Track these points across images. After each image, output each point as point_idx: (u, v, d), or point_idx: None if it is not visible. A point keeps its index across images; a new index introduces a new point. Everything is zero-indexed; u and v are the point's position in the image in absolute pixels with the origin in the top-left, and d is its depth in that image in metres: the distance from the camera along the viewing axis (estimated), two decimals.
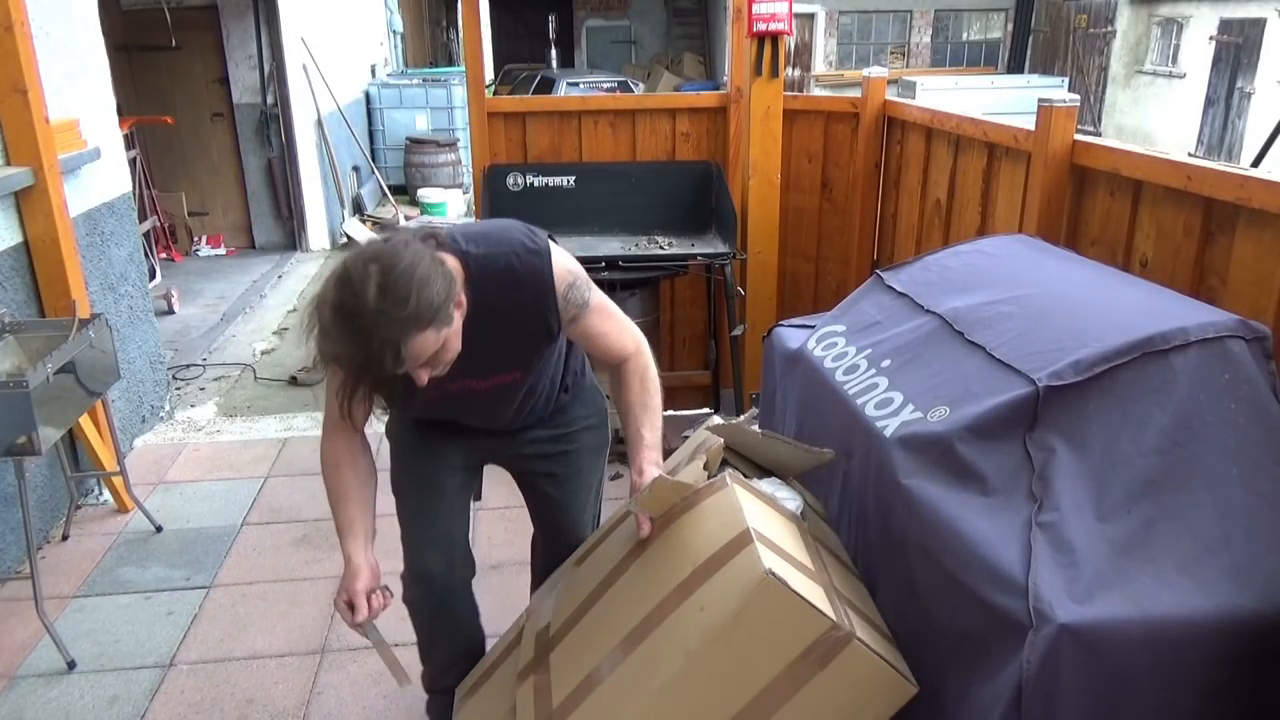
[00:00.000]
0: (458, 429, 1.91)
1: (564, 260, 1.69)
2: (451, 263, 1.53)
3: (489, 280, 1.59)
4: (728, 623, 1.41)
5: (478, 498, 2.29)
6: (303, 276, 6.80)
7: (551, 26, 19.77)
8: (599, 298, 1.75)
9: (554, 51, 19.57)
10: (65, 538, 3.19)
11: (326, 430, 1.75)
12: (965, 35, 18.85)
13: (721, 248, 3.53)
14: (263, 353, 5.13)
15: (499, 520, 3.19)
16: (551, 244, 1.69)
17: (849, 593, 1.61)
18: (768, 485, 1.80)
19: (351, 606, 1.67)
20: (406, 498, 1.95)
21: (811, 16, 18.07)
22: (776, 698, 1.44)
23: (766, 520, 1.58)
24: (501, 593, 2.72)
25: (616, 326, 1.78)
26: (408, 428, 1.95)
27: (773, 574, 1.39)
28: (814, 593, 1.46)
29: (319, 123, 7.68)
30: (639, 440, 1.73)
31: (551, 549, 2.08)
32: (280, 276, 6.78)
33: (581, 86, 11.20)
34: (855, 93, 3.68)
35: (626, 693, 1.48)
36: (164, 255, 6.93)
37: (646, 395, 1.79)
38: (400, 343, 1.40)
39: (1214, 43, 13.90)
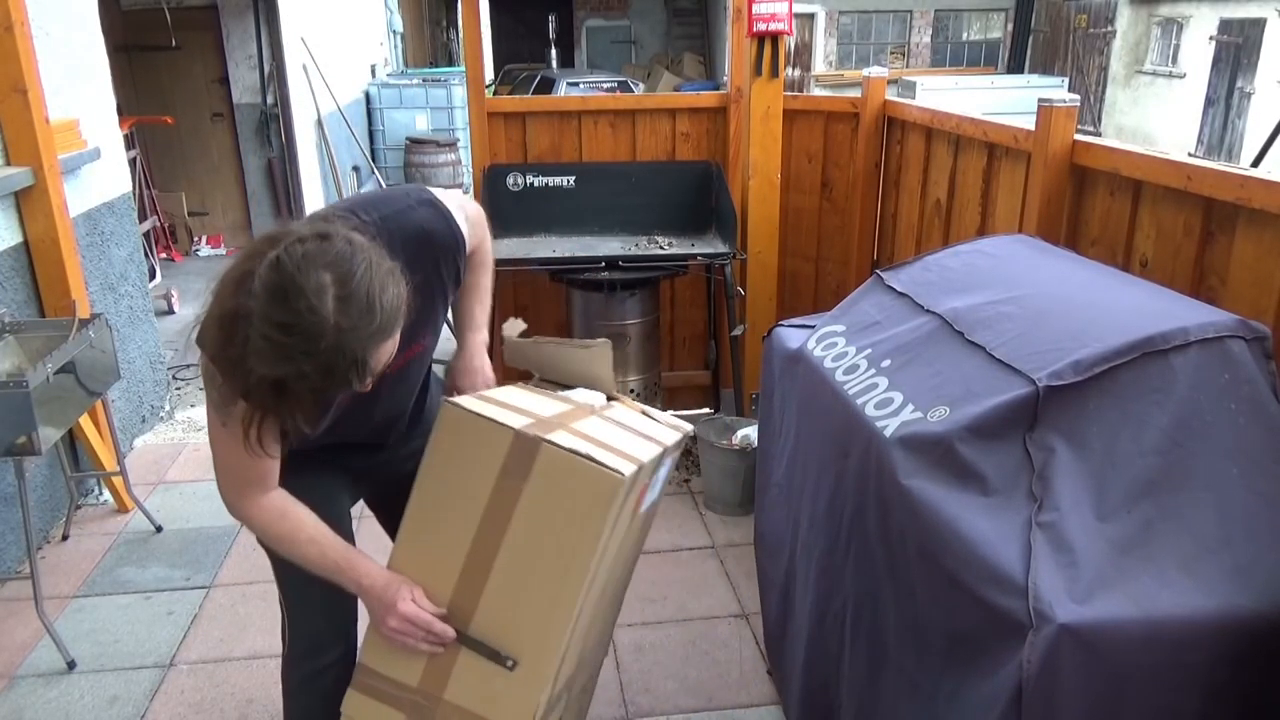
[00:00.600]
0: (336, 463, 1.72)
1: (451, 199, 1.61)
2: (358, 239, 1.32)
3: (401, 245, 1.43)
4: (429, 459, 1.50)
5: None
6: None
7: (551, 26, 19.78)
8: (455, 200, 1.64)
9: (554, 51, 19.57)
10: (65, 538, 3.19)
11: (243, 496, 1.50)
12: (965, 35, 18.85)
13: (721, 248, 3.53)
14: None
15: None
16: (427, 188, 1.62)
17: (590, 431, 1.57)
18: (581, 395, 1.82)
19: (412, 621, 1.49)
20: (299, 569, 1.60)
21: (811, 16, 18.07)
22: (499, 522, 1.48)
23: (509, 395, 1.65)
24: None
25: (476, 217, 1.71)
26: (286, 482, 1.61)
27: (450, 401, 1.48)
28: (502, 414, 1.48)
29: (319, 123, 7.68)
30: (471, 319, 1.74)
31: None
32: None
33: (581, 86, 11.20)
34: (855, 93, 3.68)
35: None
36: (164, 255, 6.93)
37: (487, 274, 1.76)
38: (369, 357, 1.25)
39: (1214, 43, 13.90)
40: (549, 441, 1.44)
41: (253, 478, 1.50)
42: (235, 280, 1.23)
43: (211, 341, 1.26)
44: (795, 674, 2.11)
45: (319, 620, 1.74)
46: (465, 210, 1.68)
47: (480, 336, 1.79)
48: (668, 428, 1.79)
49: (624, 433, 1.66)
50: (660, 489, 1.85)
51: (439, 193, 1.64)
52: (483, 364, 1.84)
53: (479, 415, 1.47)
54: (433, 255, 1.56)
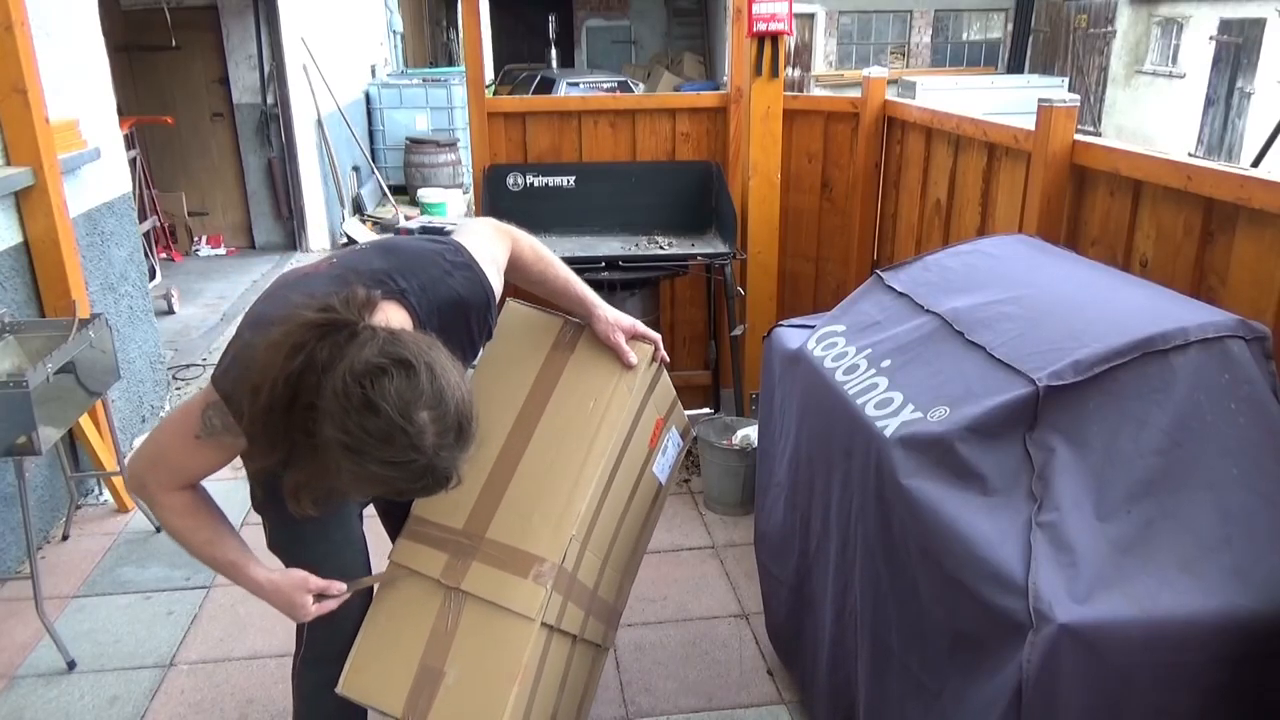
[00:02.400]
0: None
1: (483, 251, 1.67)
2: (398, 314, 1.45)
3: (439, 312, 1.54)
4: (494, 344, 1.84)
5: None
6: None
7: (551, 26, 19.77)
8: (485, 246, 1.70)
9: (554, 51, 19.57)
10: (65, 538, 3.19)
11: (163, 487, 1.52)
12: (965, 35, 18.85)
13: (721, 248, 3.53)
14: None
15: None
16: (461, 243, 1.65)
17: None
18: None
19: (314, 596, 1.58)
20: (328, 572, 1.64)
21: (811, 16, 18.07)
22: (547, 386, 1.86)
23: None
24: None
25: (503, 255, 1.77)
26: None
27: (513, 300, 1.94)
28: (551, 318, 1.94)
29: (319, 123, 7.68)
30: (584, 300, 1.88)
31: None
32: None
33: (581, 86, 11.20)
34: (855, 93, 3.68)
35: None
36: (164, 255, 6.93)
37: (559, 265, 1.89)
38: (459, 471, 1.34)
39: (1214, 43, 13.90)
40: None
41: (185, 478, 1.52)
42: (286, 351, 1.28)
43: (254, 405, 1.30)
44: (820, 670, 2.11)
45: (345, 624, 1.73)
46: (495, 256, 1.73)
47: (601, 304, 1.90)
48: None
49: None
50: (671, 463, 2.15)
51: (469, 242, 1.67)
52: (619, 315, 1.93)
53: (536, 309, 1.93)
54: (465, 317, 1.62)
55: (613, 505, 1.90)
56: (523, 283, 1.88)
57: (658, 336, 1.95)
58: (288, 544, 1.70)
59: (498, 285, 1.69)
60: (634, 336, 1.90)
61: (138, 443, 3.87)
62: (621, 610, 2.22)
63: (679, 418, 2.18)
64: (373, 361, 1.26)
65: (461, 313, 1.60)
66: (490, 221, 1.81)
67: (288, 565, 1.64)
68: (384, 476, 1.28)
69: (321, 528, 1.67)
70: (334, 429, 1.25)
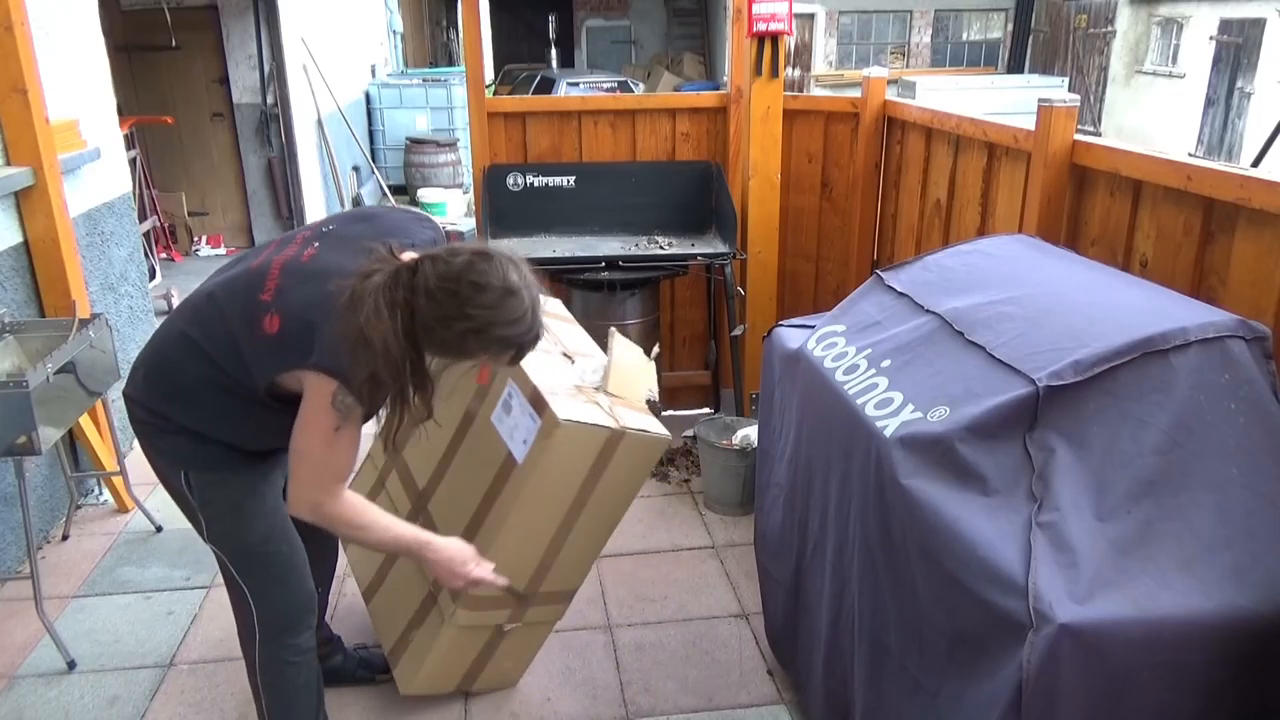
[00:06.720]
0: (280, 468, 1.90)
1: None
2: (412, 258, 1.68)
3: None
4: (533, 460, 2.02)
5: None
6: None
7: (551, 26, 19.77)
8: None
9: (554, 51, 19.57)
10: (65, 538, 3.19)
11: (333, 495, 1.70)
12: (965, 35, 18.84)
13: (721, 248, 3.53)
14: None
15: None
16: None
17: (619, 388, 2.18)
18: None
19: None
20: (277, 543, 1.87)
21: (811, 16, 18.06)
22: (585, 496, 2.09)
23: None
24: None
25: None
26: (250, 487, 1.84)
27: (568, 420, 1.97)
28: (590, 413, 2.02)
29: (319, 123, 7.69)
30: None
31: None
32: None
33: (581, 86, 11.20)
34: (855, 93, 3.68)
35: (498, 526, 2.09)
36: (164, 255, 6.93)
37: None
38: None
39: (1214, 43, 13.90)
40: (631, 430, 2.08)
41: (344, 475, 1.70)
42: (381, 312, 1.50)
43: (385, 362, 1.51)
44: (816, 672, 2.11)
45: (299, 590, 1.92)
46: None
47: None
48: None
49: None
50: (522, 435, 2.11)
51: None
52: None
53: (583, 423, 2.02)
54: None
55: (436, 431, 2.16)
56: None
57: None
58: (235, 529, 1.85)
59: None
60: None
61: (137, 443, 3.87)
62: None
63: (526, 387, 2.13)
64: (455, 263, 1.54)
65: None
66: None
67: (238, 543, 1.84)
68: (508, 337, 1.57)
69: (260, 503, 1.84)
70: (459, 324, 1.53)
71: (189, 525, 1.87)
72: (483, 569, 1.89)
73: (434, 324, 1.54)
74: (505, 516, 2.06)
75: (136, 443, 3.85)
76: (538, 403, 2.02)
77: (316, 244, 1.73)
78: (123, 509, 3.34)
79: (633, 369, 2.30)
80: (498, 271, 1.55)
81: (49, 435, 2.49)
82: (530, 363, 2.06)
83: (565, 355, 2.28)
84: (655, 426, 2.14)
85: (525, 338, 1.61)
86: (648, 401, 2.25)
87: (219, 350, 1.68)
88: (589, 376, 2.21)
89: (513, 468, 2.09)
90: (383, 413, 1.64)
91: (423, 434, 2.16)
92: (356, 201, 8.64)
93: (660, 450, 2.17)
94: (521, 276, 1.58)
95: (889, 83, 3.78)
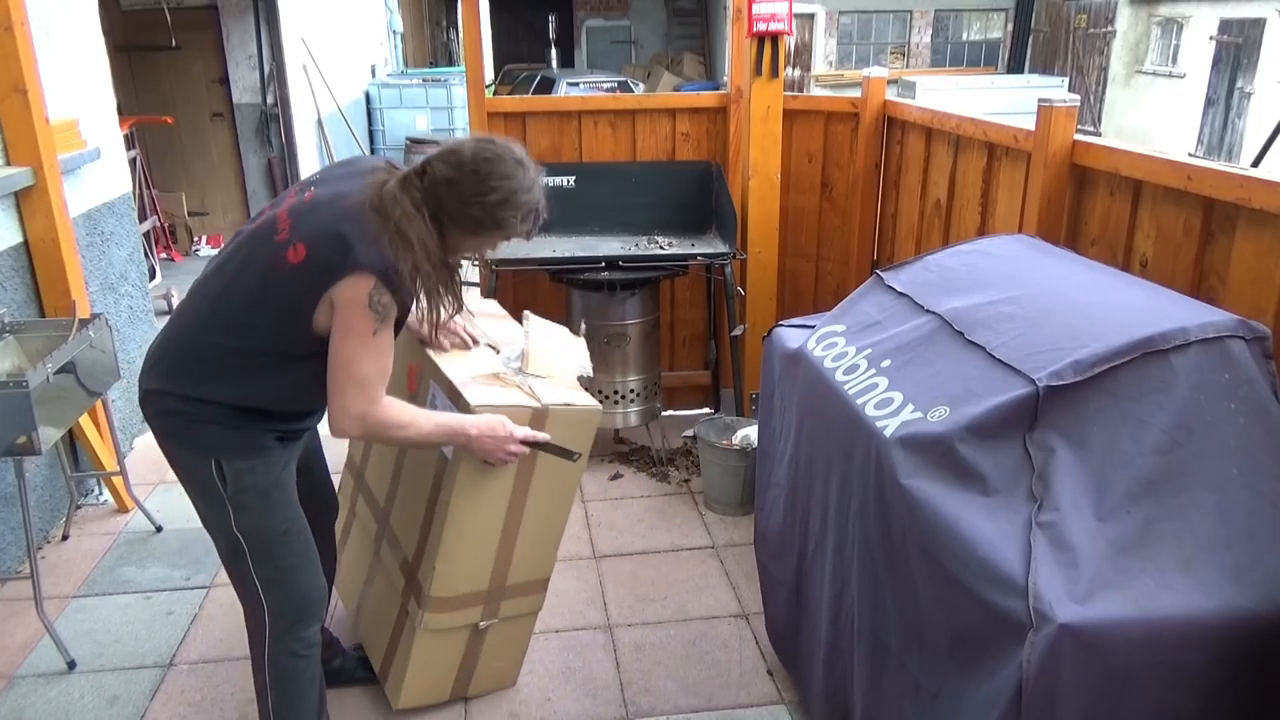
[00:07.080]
0: (298, 444, 1.97)
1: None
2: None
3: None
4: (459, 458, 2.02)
5: None
6: None
7: (551, 26, 19.78)
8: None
9: (554, 51, 19.58)
10: (65, 538, 3.19)
11: (375, 401, 1.76)
12: (965, 35, 18.85)
13: (721, 248, 3.53)
14: None
15: None
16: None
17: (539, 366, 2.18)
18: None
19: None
20: (296, 533, 1.91)
21: (811, 16, 18.07)
22: (525, 480, 2.10)
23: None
24: None
25: None
26: (275, 477, 1.87)
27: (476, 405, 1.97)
28: (506, 395, 2.03)
29: (319, 123, 7.69)
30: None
31: (330, 509, 2.29)
32: None
33: (581, 86, 11.20)
34: (855, 93, 3.68)
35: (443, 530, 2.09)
36: (164, 255, 6.93)
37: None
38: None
39: (1214, 43, 13.90)
40: (554, 406, 2.08)
41: (385, 379, 1.76)
42: (410, 208, 1.66)
43: (423, 254, 1.66)
44: (816, 672, 2.11)
45: (314, 581, 1.95)
46: None
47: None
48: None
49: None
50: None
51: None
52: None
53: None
54: None
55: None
56: None
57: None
58: (261, 517, 1.86)
59: None
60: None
61: (138, 443, 3.86)
62: (427, 574, 2.19)
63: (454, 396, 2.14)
64: (463, 151, 1.71)
65: None
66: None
67: (264, 531, 1.86)
68: (530, 202, 1.74)
69: (284, 492, 1.88)
70: (489, 197, 1.69)
71: (189, 525, 1.88)
72: (521, 428, 1.98)
73: (463, 205, 1.70)
74: (447, 515, 2.07)
75: (136, 443, 3.85)
76: (454, 395, 2.04)
77: (312, 188, 1.80)
78: (123, 509, 3.34)
79: (556, 348, 2.32)
80: (504, 147, 1.73)
81: (49, 435, 2.49)
82: (449, 360, 2.15)
83: (490, 346, 2.28)
84: (583, 399, 2.12)
85: (539, 204, 1.77)
86: (580, 378, 2.25)
87: (248, 312, 1.73)
88: (512, 363, 2.21)
89: (445, 466, 2.11)
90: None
91: (374, 452, 2.28)
92: None
93: (594, 421, 2.13)
94: (522, 150, 1.76)
95: (889, 83, 3.78)
